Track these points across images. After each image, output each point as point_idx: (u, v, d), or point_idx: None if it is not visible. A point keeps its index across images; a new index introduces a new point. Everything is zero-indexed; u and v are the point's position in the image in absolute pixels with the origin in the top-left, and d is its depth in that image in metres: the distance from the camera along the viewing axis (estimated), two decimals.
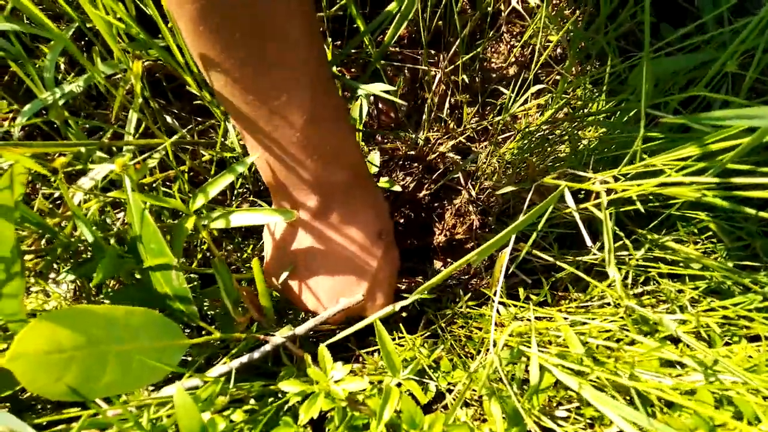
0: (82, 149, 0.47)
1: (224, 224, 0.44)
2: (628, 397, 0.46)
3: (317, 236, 0.49)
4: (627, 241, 0.49)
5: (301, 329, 0.46)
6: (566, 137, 0.61)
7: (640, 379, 0.43)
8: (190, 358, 0.54)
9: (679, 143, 0.49)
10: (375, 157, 0.66)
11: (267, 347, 0.46)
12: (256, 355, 0.45)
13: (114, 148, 0.59)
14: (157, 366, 0.37)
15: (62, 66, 0.64)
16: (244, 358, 0.43)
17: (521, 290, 0.56)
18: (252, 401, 0.44)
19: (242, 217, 0.44)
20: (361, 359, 0.55)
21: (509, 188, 0.53)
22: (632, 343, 0.49)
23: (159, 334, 0.38)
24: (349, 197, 0.48)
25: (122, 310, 0.36)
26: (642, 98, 0.40)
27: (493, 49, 0.81)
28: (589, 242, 0.44)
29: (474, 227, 0.68)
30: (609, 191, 0.41)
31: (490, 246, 0.33)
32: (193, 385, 0.41)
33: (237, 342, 0.50)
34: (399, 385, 0.40)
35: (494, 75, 0.79)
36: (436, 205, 0.74)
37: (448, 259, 0.72)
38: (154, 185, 0.57)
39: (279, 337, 0.46)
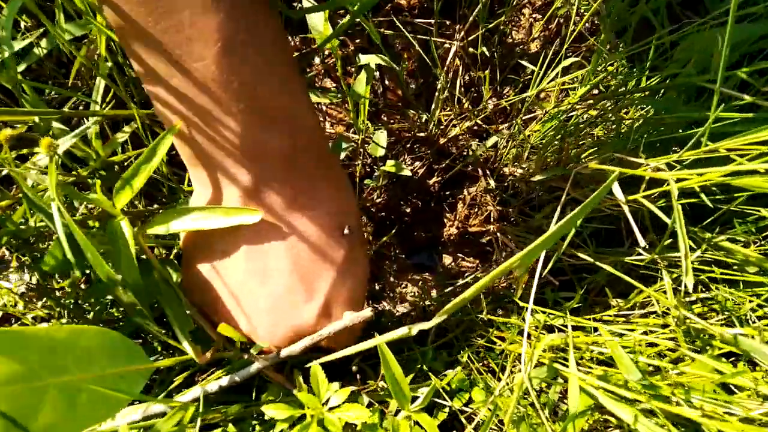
0: (37, 119, 0.39)
1: (164, 231, 0.34)
2: (679, 427, 0.39)
3: (252, 229, 0.35)
4: (689, 241, 0.42)
5: (289, 351, 0.38)
6: (601, 119, 0.53)
7: (696, 406, 0.36)
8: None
9: (744, 126, 0.41)
10: (381, 138, 0.58)
11: (251, 369, 0.38)
12: (237, 378, 0.37)
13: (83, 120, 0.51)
14: (114, 397, 0.29)
15: (24, 25, 0.56)
16: (223, 381, 0.36)
17: (549, 293, 0.48)
18: (230, 426, 0.37)
19: (187, 222, 0.34)
20: (359, 377, 0.47)
21: (541, 176, 0.45)
22: (678, 360, 0.42)
23: (115, 359, 0.30)
24: (297, 175, 0.36)
25: (66, 331, 0.28)
26: (721, 64, 0.32)
27: (513, 23, 0.73)
28: (641, 241, 0.37)
29: (492, 219, 0.60)
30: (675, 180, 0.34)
31: (534, 250, 0.25)
32: (159, 411, 0.33)
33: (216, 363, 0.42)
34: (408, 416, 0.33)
35: (515, 51, 0.71)
36: (447, 193, 0.67)
37: (460, 255, 0.65)
38: (126, 164, 0.50)
39: (264, 359, 0.38)
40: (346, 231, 0.39)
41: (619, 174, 0.38)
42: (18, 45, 0.42)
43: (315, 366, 0.36)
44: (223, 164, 0.33)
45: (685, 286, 0.41)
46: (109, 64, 0.45)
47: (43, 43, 0.44)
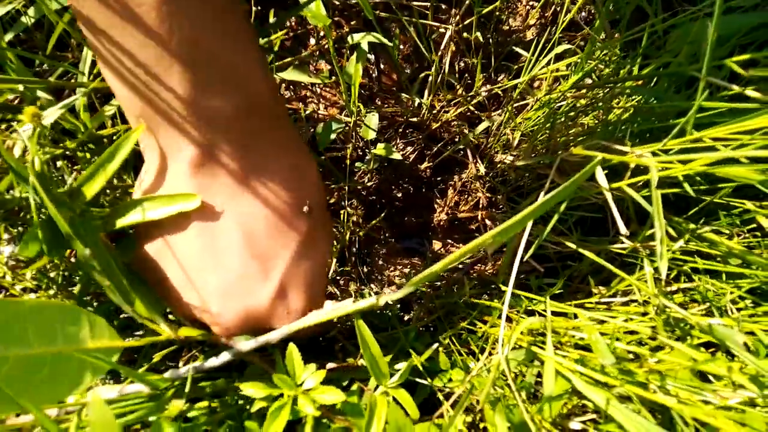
0: (21, 88, 0.39)
1: (120, 225, 0.33)
2: (656, 414, 0.39)
3: (202, 203, 0.33)
4: (669, 229, 0.42)
5: (266, 338, 0.37)
6: (592, 107, 0.53)
7: (671, 393, 0.36)
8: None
9: (731, 116, 0.41)
10: (372, 120, 0.58)
11: (228, 355, 0.38)
12: (217, 362, 0.37)
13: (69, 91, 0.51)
14: (76, 372, 0.29)
15: None
16: (190, 369, 0.35)
17: (533, 279, 0.49)
18: (213, 400, 0.37)
19: (136, 216, 0.33)
20: (340, 355, 0.48)
21: (527, 161, 0.45)
22: (657, 348, 0.43)
23: (80, 335, 0.30)
24: (250, 143, 0.33)
25: (30, 303, 0.28)
26: (706, 54, 0.32)
27: (509, 10, 0.72)
28: (623, 229, 0.37)
29: (481, 205, 0.60)
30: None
31: (506, 229, 0.26)
32: (136, 390, 0.33)
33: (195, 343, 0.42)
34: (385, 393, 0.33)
35: (510, 38, 0.70)
36: (438, 179, 0.67)
37: (449, 240, 0.65)
38: (114, 137, 0.49)
39: (244, 343, 0.38)
40: (305, 209, 0.36)
41: (603, 161, 0.38)
42: (2, 10, 0.41)
43: (291, 346, 0.35)
44: (168, 127, 0.31)
45: (658, 272, 0.42)
46: None
47: (31, 11, 0.43)
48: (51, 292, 0.47)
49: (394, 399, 0.34)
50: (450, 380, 0.42)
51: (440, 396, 0.39)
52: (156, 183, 0.34)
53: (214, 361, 0.36)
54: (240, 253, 0.34)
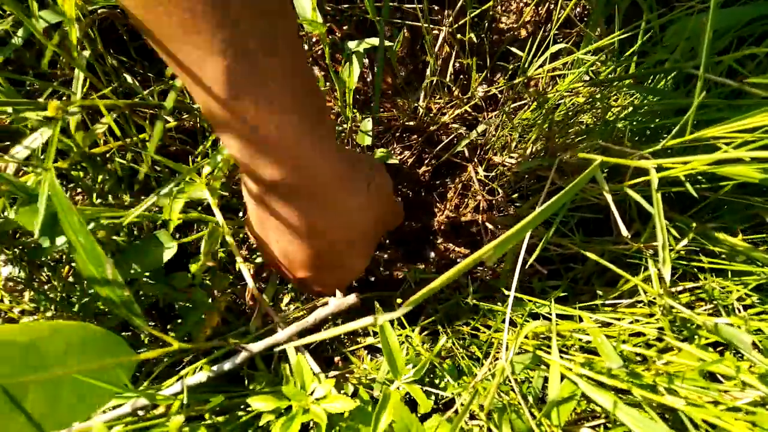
0: (9, 109, 0.39)
1: None
2: (663, 415, 0.39)
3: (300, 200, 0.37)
4: (672, 230, 0.42)
5: (276, 337, 0.38)
6: (590, 105, 0.52)
7: (680, 395, 0.36)
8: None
9: (731, 113, 0.41)
10: (367, 124, 0.58)
11: (239, 358, 0.39)
12: (225, 367, 0.37)
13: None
14: (96, 391, 0.29)
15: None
16: (202, 376, 0.35)
17: (536, 282, 0.48)
18: (215, 417, 0.37)
19: None
20: (343, 361, 0.47)
21: (529, 164, 0.44)
22: (665, 350, 0.42)
23: (97, 353, 0.30)
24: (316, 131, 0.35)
25: (46, 327, 0.28)
26: (703, 50, 0.32)
27: (503, 8, 0.72)
28: (624, 231, 0.36)
29: (481, 208, 0.60)
30: (658, 169, 0.33)
31: (506, 240, 0.25)
32: (144, 404, 0.33)
33: (203, 351, 0.42)
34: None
35: (504, 37, 0.70)
36: (437, 182, 0.66)
37: (450, 244, 0.64)
38: (108, 155, 0.49)
39: (254, 345, 0.38)
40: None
41: (602, 163, 0.38)
42: None
43: (300, 357, 0.36)
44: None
45: (661, 275, 0.41)
46: (87, 53, 0.45)
47: (20, 32, 0.43)
48: (49, 314, 0.47)
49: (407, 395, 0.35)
50: (456, 385, 0.41)
51: (443, 399, 0.39)
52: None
53: (228, 364, 0.37)
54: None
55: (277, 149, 0.33)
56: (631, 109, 0.47)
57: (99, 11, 0.51)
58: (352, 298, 0.41)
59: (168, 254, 0.43)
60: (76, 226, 0.33)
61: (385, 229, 0.49)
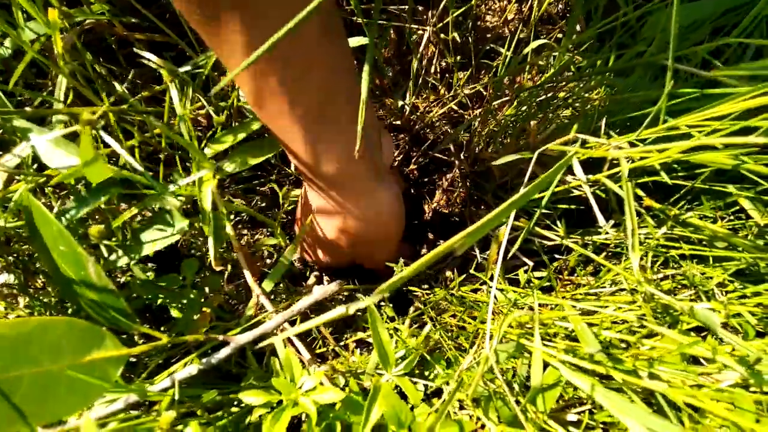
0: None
1: None
2: (649, 400, 0.40)
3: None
4: (648, 218, 0.42)
5: (264, 327, 0.39)
6: (570, 100, 0.53)
7: (662, 379, 0.37)
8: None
9: (707, 102, 0.42)
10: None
11: (228, 350, 0.39)
12: (214, 360, 0.38)
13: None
14: (89, 385, 0.30)
15: None
16: (192, 369, 0.36)
17: (521, 273, 0.49)
18: (207, 414, 0.38)
19: None
20: (333, 356, 0.48)
21: (508, 158, 0.45)
22: (648, 337, 0.43)
23: (85, 348, 0.31)
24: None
25: (34, 322, 0.29)
26: (671, 42, 0.33)
27: (487, 6, 0.73)
28: (602, 220, 0.37)
29: (468, 203, 0.61)
30: (629, 159, 0.34)
31: (482, 227, 0.26)
32: (135, 401, 0.34)
33: (195, 344, 0.43)
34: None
35: (489, 35, 0.71)
36: (425, 180, 0.67)
37: (441, 241, 0.65)
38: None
39: (241, 336, 0.39)
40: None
41: (578, 154, 0.39)
42: None
43: (287, 351, 0.37)
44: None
45: (645, 260, 0.42)
46: (68, 63, 0.45)
47: (7, 42, 0.44)
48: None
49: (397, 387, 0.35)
50: (442, 375, 0.42)
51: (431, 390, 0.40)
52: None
53: (217, 356, 0.37)
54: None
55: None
56: (609, 101, 0.48)
57: (86, 22, 0.52)
58: (334, 286, 0.42)
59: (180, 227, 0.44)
60: (54, 234, 0.34)
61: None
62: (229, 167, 0.51)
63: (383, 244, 0.55)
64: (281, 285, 0.59)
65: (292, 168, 0.63)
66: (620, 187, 0.37)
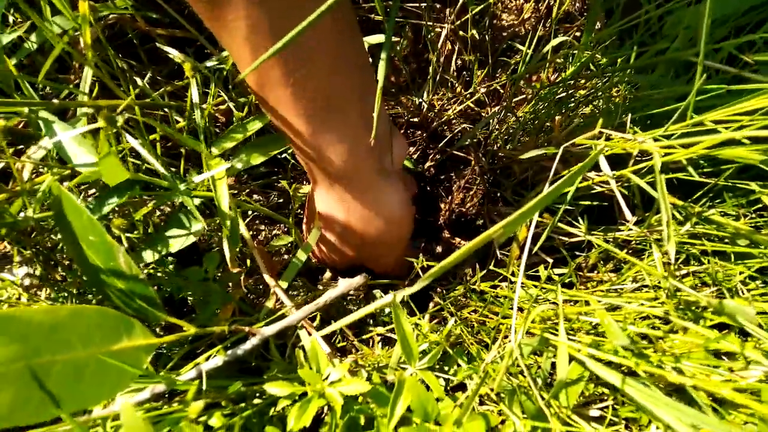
0: (26, 110, 0.40)
1: None
2: (673, 397, 0.39)
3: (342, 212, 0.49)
4: (676, 213, 0.42)
5: (290, 319, 0.39)
6: (591, 96, 0.53)
7: (687, 374, 0.37)
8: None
9: (731, 99, 0.42)
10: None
11: (254, 341, 0.40)
12: (239, 351, 0.38)
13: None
14: (120, 372, 0.30)
15: (13, 20, 0.56)
16: (218, 360, 0.36)
17: (542, 269, 0.49)
18: (231, 405, 0.38)
19: None
20: (355, 350, 0.48)
21: (532, 153, 0.45)
22: (671, 332, 0.43)
23: (116, 335, 0.31)
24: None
25: (67, 310, 0.29)
26: (702, 37, 0.33)
27: (504, 5, 0.73)
28: (628, 214, 0.37)
29: (486, 200, 0.61)
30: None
31: (514, 221, 0.26)
32: (163, 390, 0.34)
33: (219, 336, 0.43)
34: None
35: (505, 33, 0.71)
36: (442, 177, 0.67)
37: (457, 239, 0.65)
38: (121, 156, 0.50)
39: (267, 328, 0.40)
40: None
41: (605, 149, 0.39)
42: (6, 38, 0.42)
43: (314, 341, 0.37)
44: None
45: (668, 256, 0.42)
46: (90, 55, 0.46)
47: (33, 37, 0.44)
48: None
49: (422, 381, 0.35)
50: (467, 369, 0.42)
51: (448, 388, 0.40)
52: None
53: (243, 348, 0.38)
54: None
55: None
56: (631, 98, 0.48)
57: (110, 16, 0.52)
58: (360, 279, 0.42)
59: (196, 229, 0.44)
60: (84, 223, 0.35)
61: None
62: (238, 164, 0.51)
63: (389, 246, 0.54)
64: (298, 281, 0.59)
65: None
66: (648, 182, 0.37)
